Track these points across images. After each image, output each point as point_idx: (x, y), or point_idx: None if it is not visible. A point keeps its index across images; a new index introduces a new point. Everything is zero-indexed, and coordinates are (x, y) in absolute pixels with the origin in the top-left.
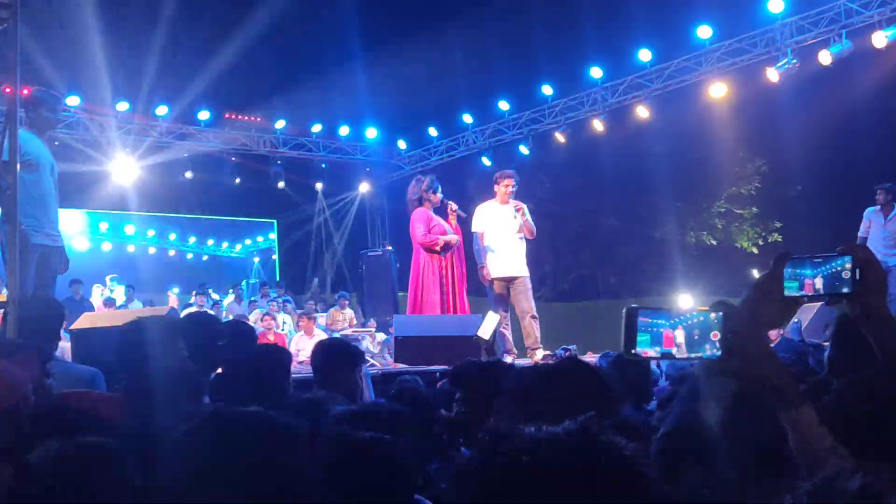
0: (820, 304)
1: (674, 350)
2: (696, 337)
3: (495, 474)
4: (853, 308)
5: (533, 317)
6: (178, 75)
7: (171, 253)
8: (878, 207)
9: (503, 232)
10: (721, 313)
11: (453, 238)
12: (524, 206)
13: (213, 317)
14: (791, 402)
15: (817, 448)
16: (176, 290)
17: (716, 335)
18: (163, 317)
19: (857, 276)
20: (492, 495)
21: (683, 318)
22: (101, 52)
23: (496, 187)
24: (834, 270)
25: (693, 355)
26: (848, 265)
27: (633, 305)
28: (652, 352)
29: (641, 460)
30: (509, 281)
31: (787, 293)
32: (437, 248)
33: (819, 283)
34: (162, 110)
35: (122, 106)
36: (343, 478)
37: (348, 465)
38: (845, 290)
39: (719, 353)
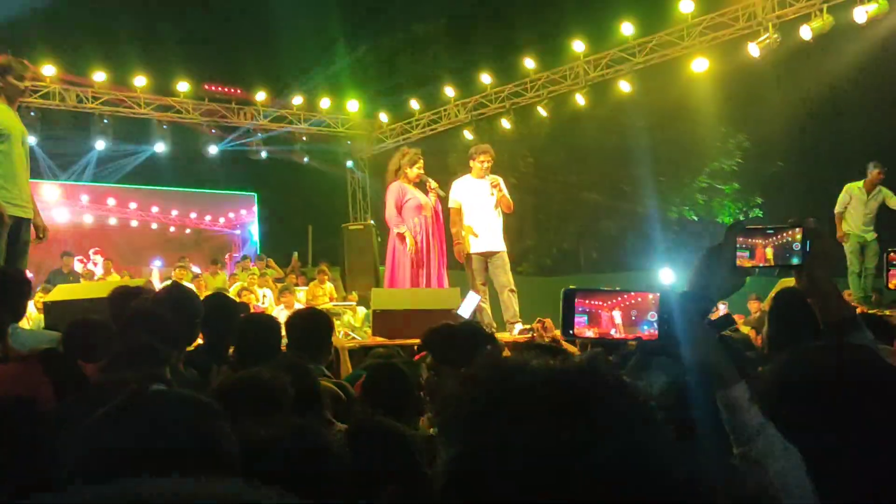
0: None
1: (612, 331)
2: (634, 318)
3: (491, 401)
4: (800, 279)
5: (511, 290)
6: (156, 46)
7: (154, 226)
8: (862, 183)
9: (480, 207)
10: (658, 294)
11: (411, 243)
12: (500, 181)
13: (184, 292)
14: (726, 381)
15: (749, 425)
16: (158, 263)
17: (653, 316)
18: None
19: (807, 248)
20: (483, 425)
21: (622, 299)
22: (77, 21)
23: (472, 162)
24: (785, 241)
25: (630, 336)
26: (798, 237)
27: (570, 287)
28: (590, 332)
29: (649, 397)
30: (487, 256)
31: (738, 262)
32: (396, 231)
33: (770, 253)
34: (140, 81)
35: (99, 76)
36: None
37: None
38: (795, 260)
39: (656, 333)
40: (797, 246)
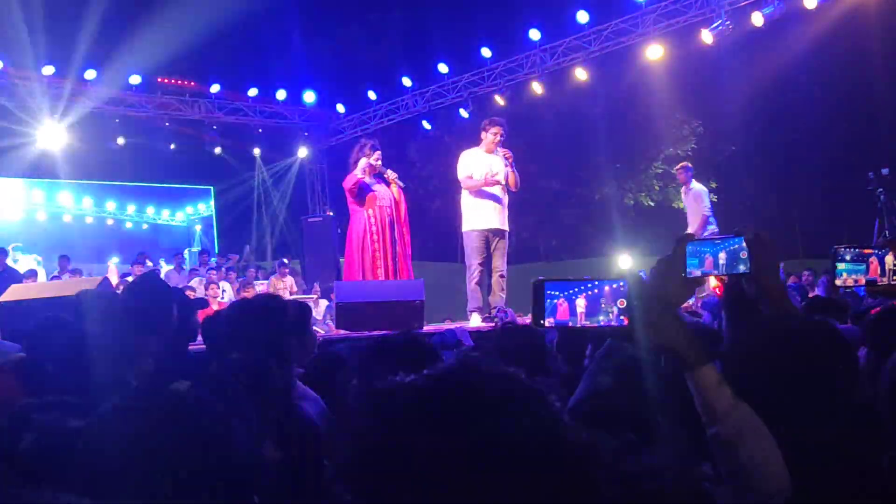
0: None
1: (577, 319)
2: (602, 305)
3: (385, 428)
4: (749, 287)
5: (502, 275)
6: (107, 38)
7: (109, 222)
8: None
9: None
10: (625, 282)
11: (383, 192)
12: (512, 155)
13: (156, 282)
14: (694, 363)
15: (718, 406)
16: (116, 259)
17: (622, 303)
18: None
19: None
20: (387, 450)
21: (588, 287)
22: (23, 12)
23: (483, 134)
24: (731, 250)
25: (594, 323)
26: (744, 245)
27: (539, 278)
28: (561, 320)
29: (540, 387)
30: (492, 235)
31: (688, 271)
32: (361, 179)
33: (720, 261)
34: (91, 74)
35: (48, 70)
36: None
37: None
38: (742, 268)
39: (623, 319)
40: (744, 254)
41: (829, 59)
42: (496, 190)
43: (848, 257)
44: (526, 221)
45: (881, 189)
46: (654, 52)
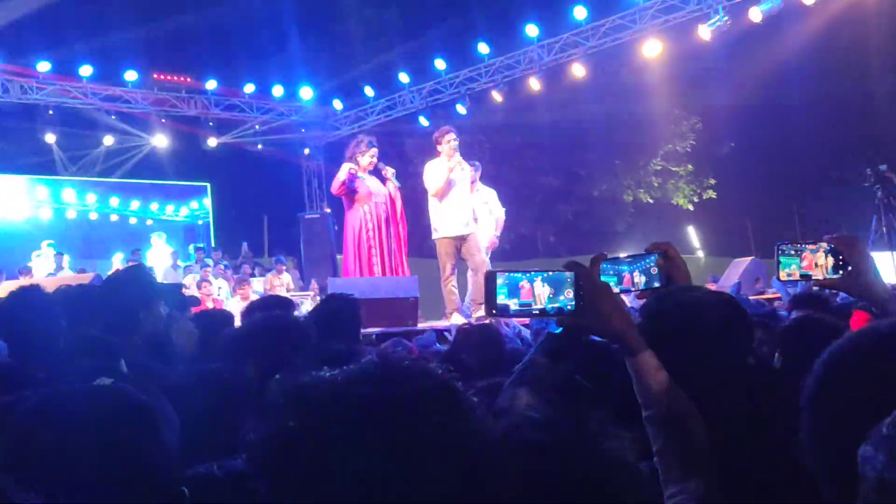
0: (750, 259)
1: (532, 302)
2: (552, 294)
3: (301, 422)
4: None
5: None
6: (102, 34)
7: (114, 218)
8: None
9: (452, 191)
10: (573, 272)
11: (376, 189)
12: (461, 160)
13: (122, 278)
14: (634, 349)
15: (655, 390)
16: (120, 255)
17: (569, 293)
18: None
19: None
20: (303, 443)
21: (541, 276)
22: (19, 9)
23: (439, 147)
24: (646, 267)
25: (548, 306)
26: (657, 261)
27: (490, 269)
28: (511, 304)
29: (453, 382)
30: (459, 240)
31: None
32: (344, 182)
33: (636, 278)
34: (86, 70)
35: (44, 66)
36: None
37: None
38: (656, 284)
39: (573, 306)
40: (654, 270)
41: (828, 54)
42: (461, 196)
43: (793, 252)
44: (524, 217)
45: (878, 185)
46: (652, 48)
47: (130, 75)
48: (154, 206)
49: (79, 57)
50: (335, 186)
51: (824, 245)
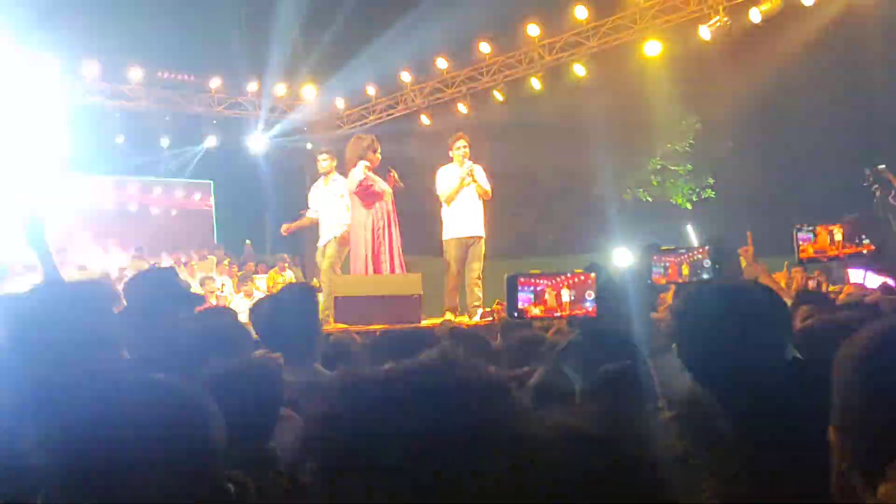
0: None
1: (556, 310)
2: (574, 297)
3: (355, 413)
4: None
5: (479, 278)
6: (107, 32)
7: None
8: None
9: (463, 193)
10: (594, 274)
11: (385, 188)
12: (475, 168)
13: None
14: (656, 350)
15: (678, 391)
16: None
17: (591, 294)
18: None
19: (717, 267)
20: (356, 434)
21: (562, 280)
22: (22, 6)
23: (450, 151)
24: (695, 260)
25: (572, 313)
26: (708, 256)
27: (512, 273)
28: (536, 311)
29: (507, 381)
30: (468, 242)
31: (654, 279)
32: (366, 180)
33: (684, 270)
34: (90, 68)
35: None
36: None
37: None
38: (706, 277)
39: (592, 308)
40: (707, 263)
41: (827, 55)
42: (470, 198)
43: (809, 231)
44: (524, 216)
45: (876, 185)
46: (652, 48)
47: (135, 73)
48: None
49: (83, 54)
50: (354, 185)
51: (841, 224)
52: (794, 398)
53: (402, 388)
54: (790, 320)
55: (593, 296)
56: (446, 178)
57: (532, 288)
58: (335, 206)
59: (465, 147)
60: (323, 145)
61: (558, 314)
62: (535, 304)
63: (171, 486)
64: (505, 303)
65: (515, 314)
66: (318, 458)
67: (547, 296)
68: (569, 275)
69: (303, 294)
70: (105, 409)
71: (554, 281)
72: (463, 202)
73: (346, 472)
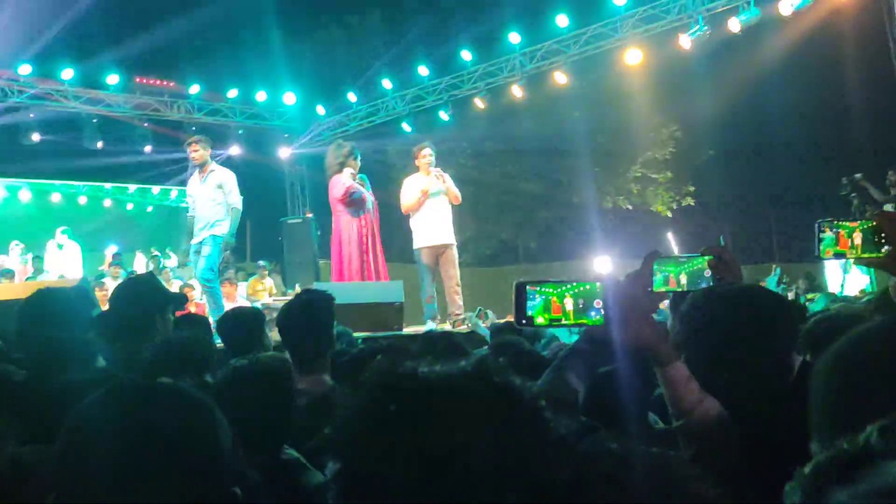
0: None
1: (562, 318)
2: (581, 305)
3: (387, 416)
4: None
5: (457, 284)
6: (83, 36)
7: (107, 203)
8: None
9: (432, 202)
10: (602, 284)
11: (366, 195)
12: (441, 172)
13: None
14: (665, 360)
15: (686, 401)
16: (114, 248)
17: (598, 303)
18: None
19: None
20: (383, 438)
21: (570, 288)
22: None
23: (416, 161)
24: (696, 268)
25: (580, 322)
26: (709, 263)
27: (520, 280)
28: (542, 318)
29: (539, 398)
30: (439, 250)
31: (654, 287)
32: (355, 195)
33: (683, 279)
34: (67, 73)
35: (24, 69)
36: None
37: None
38: (704, 286)
39: (601, 318)
40: (707, 273)
41: (805, 64)
42: (438, 206)
43: (831, 230)
44: (505, 223)
45: (854, 193)
46: (633, 57)
47: (112, 79)
48: (156, 189)
49: (61, 59)
50: (341, 192)
51: (862, 223)
52: (802, 403)
53: (432, 394)
54: (797, 323)
55: (601, 304)
56: (409, 189)
57: (540, 295)
58: (212, 201)
59: (430, 156)
60: (193, 135)
61: (564, 322)
62: (543, 312)
63: (178, 490)
64: (487, 310)
65: (524, 321)
66: (347, 452)
67: (554, 303)
68: (577, 283)
69: (319, 301)
70: (109, 413)
71: (562, 289)
72: (432, 210)
73: (372, 466)
